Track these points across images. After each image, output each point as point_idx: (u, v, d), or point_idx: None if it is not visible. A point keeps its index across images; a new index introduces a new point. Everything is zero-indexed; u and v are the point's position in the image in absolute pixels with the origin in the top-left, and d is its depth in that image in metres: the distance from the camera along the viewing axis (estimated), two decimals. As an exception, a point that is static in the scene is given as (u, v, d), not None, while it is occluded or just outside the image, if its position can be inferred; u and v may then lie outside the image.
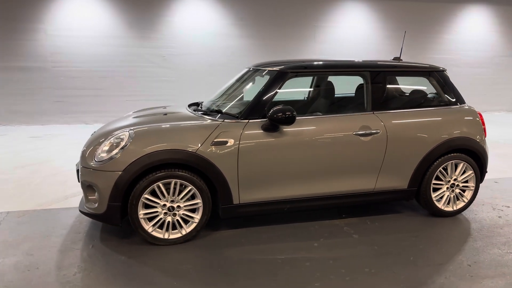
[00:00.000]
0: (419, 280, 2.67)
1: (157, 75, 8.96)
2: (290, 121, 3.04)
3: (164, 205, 3.04)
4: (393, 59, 4.08)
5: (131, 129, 3.11)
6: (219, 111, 3.42)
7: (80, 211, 3.20)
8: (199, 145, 3.02)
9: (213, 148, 3.05)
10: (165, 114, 3.62)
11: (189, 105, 4.03)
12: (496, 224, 3.57)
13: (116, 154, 2.96)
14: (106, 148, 3.08)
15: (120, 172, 2.92)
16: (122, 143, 3.00)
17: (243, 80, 3.96)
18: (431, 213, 3.69)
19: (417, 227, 3.49)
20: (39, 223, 3.51)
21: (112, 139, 3.11)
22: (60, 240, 3.19)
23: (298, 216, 3.65)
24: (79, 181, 3.25)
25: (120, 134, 3.10)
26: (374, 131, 3.34)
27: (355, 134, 3.30)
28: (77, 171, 3.28)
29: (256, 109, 3.21)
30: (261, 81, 3.70)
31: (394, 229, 3.46)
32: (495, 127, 8.17)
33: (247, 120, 3.17)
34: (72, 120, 8.74)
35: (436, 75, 3.71)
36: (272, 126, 3.14)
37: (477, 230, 3.44)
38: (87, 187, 3.10)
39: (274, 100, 3.27)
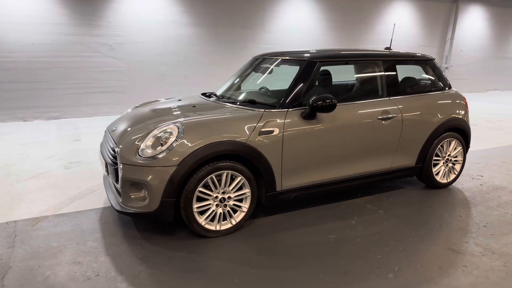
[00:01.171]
0: (456, 241, 3.08)
1: (104, 66, 8.39)
2: (331, 108, 3.21)
3: (216, 196, 3.03)
4: (384, 49, 4.45)
5: (177, 123, 3.01)
6: (252, 101, 3.45)
7: (120, 211, 3.02)
8: (248, 135, 3.06)
9: (261, 137, 3.10)
10: (194, 106, 3.54)
11: (202, 95, 3.98)
12: (482, 191, 4.18)
13: (167, 148, 2.86)
14: (150, 143, 2.95)
15: (175, 167, 2.83)
16: (172, 137, 2.90)
17: (256, 70, 4.00)
18: (429, 186, 4.19)
19: (425, 199, 3.94)
20: (61, 229, 3.22)
21: (156, 133, 2.97)
22: (99, 245, 2.99)
23: (320, 199, 3.86)
24: (117, 181, 3.04)
25: (166, 128, 2.98)
26: (392, 116, 3.67)
27: (378, 119, 3.61)
28: (116, 170, 3.06)
29: (292, 98, 3.32)
30: (278, 71, 3.83)
31: (408, 202, 3.86)
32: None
33: (287, 109, 3.27)
34: (6, 118, 7.81)
35: (430, 63, 4.18)
36: (311, 114, 3.28)
37: (472, 197, 4.00)
38: (131, 185, 2.94)
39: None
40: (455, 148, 4.15)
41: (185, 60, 9.12)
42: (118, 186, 3.01)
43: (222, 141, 2.95)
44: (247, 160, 3.08)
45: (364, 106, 3.61)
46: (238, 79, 4.10)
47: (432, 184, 4.14)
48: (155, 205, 2.89)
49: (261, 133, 3.10)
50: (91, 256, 2.83)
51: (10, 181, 4.33)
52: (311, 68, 3.44)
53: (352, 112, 3.53)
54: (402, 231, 3.26)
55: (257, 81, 3.95)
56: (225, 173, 3.00)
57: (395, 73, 3.85)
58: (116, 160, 3.07)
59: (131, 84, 8.71)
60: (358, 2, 10.58)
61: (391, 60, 3.87)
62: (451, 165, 4.19)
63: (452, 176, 4.22)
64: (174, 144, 2.87)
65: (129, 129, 3.26)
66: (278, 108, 3.27)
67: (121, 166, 2.95)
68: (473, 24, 12.45)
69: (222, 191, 3.04)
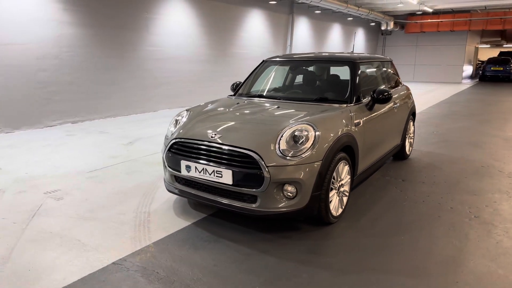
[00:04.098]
0: (469, 189, 4.25)
1: (-33, 74, 6.54)
2: (389, 99, 3.91)
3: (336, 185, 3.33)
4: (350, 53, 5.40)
5: (303, 121, 3.15)
6: (324, 99, 3.82)
7: (264, 216, 2.98)
8: (350, 127, 3.46)
9: (355, 129, 3.55)
10: (278, 107, 3.66)
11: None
12: (429, 156, 5.64)
13: (312, 145, 3.01)
14: (287, 143, 3.01)
15: (321, 161, 3.02)
16: (311, 134, 3.05)
17: (294, 72, 4.35)
18: (396, 158, 5.38)
19: (412, 167, 5.09)
20: (187, 252, 2.87)
21: (290, 133, 3.04)
22: (257, 253, 2.86)
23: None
24: (257, 186, 2.93)
25: (298, 127, 3.09)
26: (396, 105, 4.65)
27: (393, 107, 4.52)
28: (254, 175, 2.92)
29: (358, 93, 3.87)
30: (313, 70, 4.30)
31: (406, 171, 4.92)
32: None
33: (357, 103, 3.80)
34: None
35: (392, 63, 5.36)
36: (372, 105, 3.91)
37: (432, 162, 5.37)
38: (277, 186, 2.95)
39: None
40: (411, 127, 5.48)
41: (68, 64, 7.96)
42: (260, 189, 2.94)
43: (344, 134, 3.29)
44: (351, 149, 3.48)
45: (386, 97, 4.46)
46: (278, 81, 4.32)
47: (402, 157, 5.35)
48: (305, 201, 3.00)
49: (355, 124, 3.55)
50: (268, 261, 2.72)
51: (16, 228, 3.27)
52: (357, 67, 4.05)
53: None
54: (434, 190, 4.25)
55: (312, 83, 4.34)
56: (342, 163, 3.33)
57: (388, 70, 4.85)
58: (242, 164, 2.97)
59: (3, 96, 7.04)
60: (225, 11, 11.31)
61: (383, 61, 4.86)
62: (410, 140, 5.50)
63: (411, 149, 5.56)
64: (316, 141, 3.03)
65: (245, 132, 3.16)
66: (351, 103, 3.75)
67: (267, 169, 2.90)
68: (303, 32, 14.98)
69: (339, 179, 3.35)
